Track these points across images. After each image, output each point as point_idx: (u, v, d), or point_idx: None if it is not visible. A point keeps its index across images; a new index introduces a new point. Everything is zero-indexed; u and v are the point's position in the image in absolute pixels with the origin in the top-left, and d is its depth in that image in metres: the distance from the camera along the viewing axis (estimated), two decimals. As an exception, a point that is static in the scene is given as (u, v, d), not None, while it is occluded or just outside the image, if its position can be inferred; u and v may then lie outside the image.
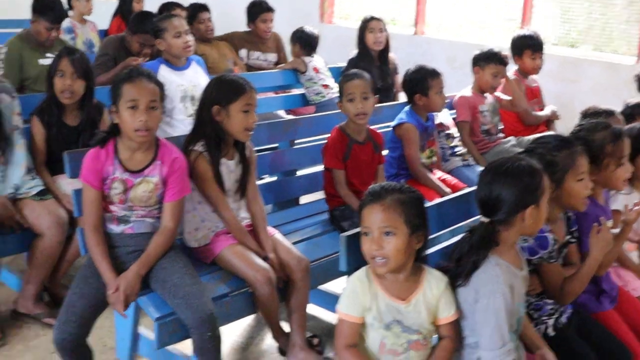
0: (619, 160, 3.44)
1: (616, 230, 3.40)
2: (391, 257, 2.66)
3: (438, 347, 2.82)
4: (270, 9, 7.16)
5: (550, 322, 3.17)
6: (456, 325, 2.83)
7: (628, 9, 7.62)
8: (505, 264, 2.73)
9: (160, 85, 3.42)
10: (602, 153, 3.39)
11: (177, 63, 5.21)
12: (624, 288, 3.64)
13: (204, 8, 6.88)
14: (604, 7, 7.83)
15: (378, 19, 6.60)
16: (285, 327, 3.68)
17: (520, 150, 3.31)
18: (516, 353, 2.75)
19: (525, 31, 6.22)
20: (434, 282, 2.79)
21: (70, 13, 7.43)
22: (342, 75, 4.40)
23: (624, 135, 3.49)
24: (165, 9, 6.88)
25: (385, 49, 6.64)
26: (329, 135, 4.30)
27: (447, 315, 2.79)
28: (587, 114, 4.15)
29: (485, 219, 2.77)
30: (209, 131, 3.59)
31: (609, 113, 4.15)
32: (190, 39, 5.22)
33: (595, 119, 3.81)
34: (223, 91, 3.60)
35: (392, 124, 4.86)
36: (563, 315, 3.23)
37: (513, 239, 2.81)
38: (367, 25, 6.56)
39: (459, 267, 2.75)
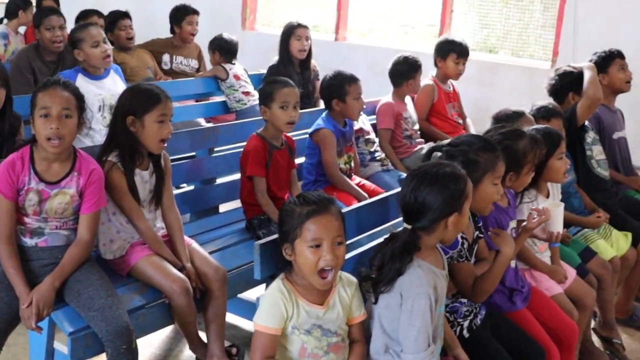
0: (532, 165, 3.58)
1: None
2: (339, 267, 2.71)
3: (352, 353, 2.85)
4: (195, 12, 7.14)
5: (465, 323, 3.22)
6: (364, 328, 2.87)
7: (544, 14, 7.80)
8: (427, 265, 2.76)
9: (78, 96, 3.35)
10: (524, 159, 3.52)
11: (95, 72, 5.13)
12: (537, 288, 3.72)
13: (125, 15, 6.82)
14: (520, 12, 8.00)
15: (304, 27, 6.57)
16: (204, 337, 3.65)
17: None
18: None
19: (454, 36, 6.31)
20: (345, 282, 2.86)
21: (5, 21, 7.52)
22: (269, 81, 4.40)
23: (541, 142, 3.66)
24: (83, 16, 6.80)
25: (308, 56, 6.63)
26: (247, 143, 4.29)
27: (358, 314, 2.86)
28: (498, 117, 4.21)
29: (407, 226, 2.79)
30: (123, 142, 3.55)
31: (519, 114, 4.22)
32: (108, 47, 5.15)
33: (508, 123, 3.92)
34: (137, 101, 3.56)
35: (310, 130, 4.88)
36: (477, 317, 3.28)
37: (433, 243, 2.84)
38: (293, 32, 6.51)
39: (381, 275, 2.76)
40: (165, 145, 3.61)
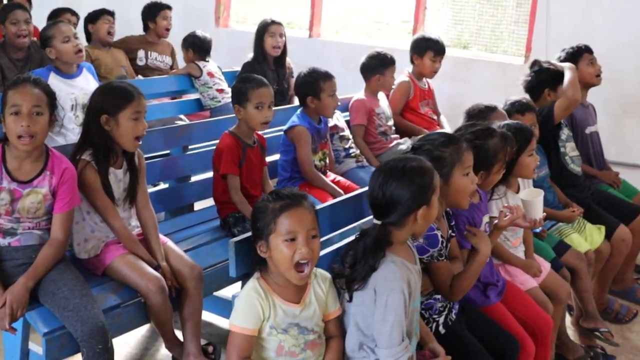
0: (502, 164, 3.60)
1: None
2: (315, 260, 2.70)
3: (329, 349, 2.86)
4: (169, 7, 7.12)
5: (441, 319, 3.23)
6: (340, 323, 2.88)
7: (517, 10, 7.80)
8: (400, 260, 2.76)
9: (49, 93, 3.34)
10: (495, 158, 3.53)
11: (68, 70, 5.08)
12: (512, 282, 3.74)
13: (110, 13, 6.79)
14: (494, 8, 7.99)
15: (278, 23, 6.53)
16: (180, 336, 3.64)
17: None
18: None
19: (430, 34, 6.30)
20: (320, 278, 2.86)
21: None
22: (243, 79, 4.38)
23: (512, 140, 3.65)
24: (55, 15, 6.74)
25: (283, 53, 6.61)
26: (220, 141, 4.28)
27: (334, 309, 2.87)
28: (470, 113, 4.23)
29: (377, 222, 2.79)
30: (97, 140, 3.53)
31: (492, 109, 4.24)
32: (80, 42, 5.11)
33: (481, 118, 3.94)
34: (110, 99, 3.54)
35: (284, 127, 4.87)
36: (452, 312, 3.29)
37: (405, 238, 2.85)
38: (267, 29, 6.47)
39: (354, 272, 2.76)
40: (140, 142, 3.59)
